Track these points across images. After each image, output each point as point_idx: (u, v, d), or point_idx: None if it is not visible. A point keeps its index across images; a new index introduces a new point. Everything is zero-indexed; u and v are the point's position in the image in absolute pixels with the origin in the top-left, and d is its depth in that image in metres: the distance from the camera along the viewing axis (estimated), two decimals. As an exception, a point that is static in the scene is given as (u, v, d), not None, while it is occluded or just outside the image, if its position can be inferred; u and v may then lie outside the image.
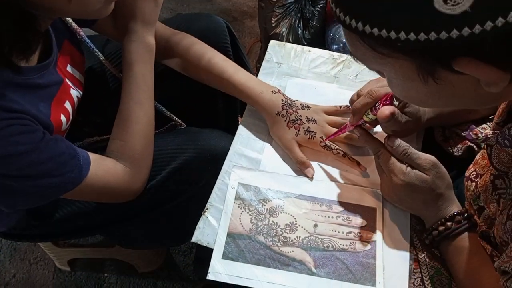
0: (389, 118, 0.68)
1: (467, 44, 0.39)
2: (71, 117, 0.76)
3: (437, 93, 0.47)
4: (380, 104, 0.69)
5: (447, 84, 0.44)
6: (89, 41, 0.81)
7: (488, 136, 0.60)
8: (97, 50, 0.83)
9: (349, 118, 0.75)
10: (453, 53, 0.40)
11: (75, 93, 0.77)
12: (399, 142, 0.68)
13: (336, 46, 1.44)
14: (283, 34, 1.43)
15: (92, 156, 0.71)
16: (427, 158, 0.67)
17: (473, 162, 0.70)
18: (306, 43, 1.42)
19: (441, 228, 0.67)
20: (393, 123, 0.72)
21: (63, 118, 0.72)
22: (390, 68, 0.47)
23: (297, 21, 1.43)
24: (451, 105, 0.50)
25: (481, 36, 0.37)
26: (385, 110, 0.68)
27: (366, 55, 0.47)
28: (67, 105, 0.74)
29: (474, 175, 0.68)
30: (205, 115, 1.04)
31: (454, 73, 0.42)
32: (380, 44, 0.43)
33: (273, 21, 1.45)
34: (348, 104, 0.82)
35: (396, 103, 0.70)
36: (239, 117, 1.13)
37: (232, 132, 0.87)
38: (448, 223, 0.66)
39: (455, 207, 0.68)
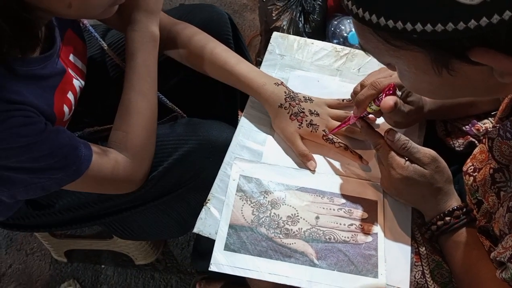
0: (393, 108, 0.68)
1: (484, 34, 0.38)
2: (73, 107, 0.75)
3: (450, 84, 0.47)
4: (383, 95, 0.69)
5: (461, 75, 0.44)
6: (94, 30, 0.80)
7: (489, 129, 0.60)
8: (101, 40, 0.82)
9: (352, 111, 0.75)
10: (470, 44, 0.40)
11: (77, 83, 0.77)
12: (399, 136, 0.68)
13: (336, 41, 1.44)
14: (284, 27, 1.43)
15: (94, 147, 0.71)
16: (427, 152, 0.67)
17: (471, 156, 0.70)
18: (306, 37, 1.42)
19: (439, 223, 0.67)
20: (396, 113, 0.72)
21: (65, 108, 0.72)
22: (403, 60, 0.46)
23: (298, 14, 1.43)
24: (462, 96, 0.50)
25: (498, 25, 0.37)
26: (389, 100, 0.68)
27: (378, 48, 0.46)
28: (70, 95, 0.73)
29: (472, 169, 0.68)
30: (205, 106, 1.04)
31: (469, 64, 0.42)
32: (394, 36, 0.43)
33: (273, 14, 1.45)
34: (351, 98, 0.83)
35: (399, 93, 0.70)
36: (239, 111, 1.12)
37: (231, 125, 0.87)
38: (447, 218, 0.67)
39: (454, 202, 0.68)
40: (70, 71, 0.75)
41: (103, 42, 0.83)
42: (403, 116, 0.73)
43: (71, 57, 0.77)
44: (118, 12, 0.78)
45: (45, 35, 0.69)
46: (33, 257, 1.36)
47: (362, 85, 0.74)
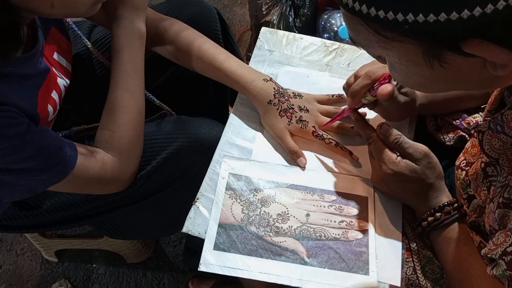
0: (391, 94, 0.67)
1: (478, 25, 0.37)
2: (58, 107, 0.74)
3: (441, 77, 0.45)
4: (378, 85, 0.68)
5: (453, 67, 0.43)
6: (77, 28, 0.79)
7: (479, 123, 0.59)
8: (85, 38, 0.80)
9: (342, 106, 0.74)
10: (463, 35, 0.39)
11: (62, 82, 0.75)
12: (392, 130, 0.67)
13: (327, 35, 1.42)
14: (274, 22, 1.41)
15: (80, 147, 0.70)
16: (419, 147, 0.67)
17: (463, 150, 0.70)
18: (297, 31, 1.41)
19: (430, 218, 0.67)
20: (391, 103, 0.71)
21: (50, 108, 0.70)
22: (393, 52, 0.45)
23: (288, 9, 1.41)
24: (453, 89, 0.49)
25: (492, 15, 0.36)
26: (387, 87, 0.67)
27: (368, 40, 0.45)
28: (54, 94, 0.72)
29: (464, 164, 0.67)
30: (194, 104, 1.03)
31: (462, 55, 0.41)
32: (385, 27, 0.42)
33: (264, 9, 1.43)
34: (341, 93, 0.82)
35: (394, 82, 0.69)
36: (229, 107, 1.11)
37: (222, 121, 0.86)
38: (438, 214, 0.66)
39: (445, 197, 0.68)
40: (54, 69, 0.73)
41: (87, 41, 0.81)
42: (398, 107, 0.72)
43: (55, 56, 0.75)
44: (103, 9, 0.77)
45: (27, 34, 0.68)
46: (24, 257, 1.35)
47: (356, 76, 0.73)
